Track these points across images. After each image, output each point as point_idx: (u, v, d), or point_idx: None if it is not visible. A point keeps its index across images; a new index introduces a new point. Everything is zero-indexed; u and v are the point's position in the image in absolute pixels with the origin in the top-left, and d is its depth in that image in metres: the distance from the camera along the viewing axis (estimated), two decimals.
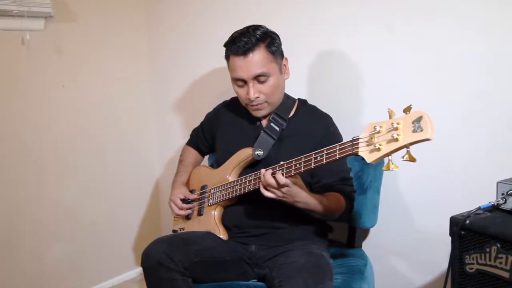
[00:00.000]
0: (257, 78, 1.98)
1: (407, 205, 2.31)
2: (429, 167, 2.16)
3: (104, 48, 3.00)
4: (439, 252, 2.10)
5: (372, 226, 2.29)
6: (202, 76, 3.04)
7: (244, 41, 1.95)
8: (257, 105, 2.04)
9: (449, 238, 1.66)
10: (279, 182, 1.74)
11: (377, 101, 2.31)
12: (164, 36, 3.21)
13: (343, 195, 2.00)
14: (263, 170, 1.81)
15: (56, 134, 2.83)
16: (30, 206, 2.76)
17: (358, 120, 2.37)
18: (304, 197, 1.83)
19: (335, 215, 1.98)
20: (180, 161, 2.47)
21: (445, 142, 2.09)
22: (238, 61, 1.98)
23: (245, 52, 1.95)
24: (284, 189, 1.76)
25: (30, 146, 2.72)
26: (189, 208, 2.29)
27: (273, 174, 1.77)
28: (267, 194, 1.80)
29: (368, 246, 2.41)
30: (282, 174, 1.77)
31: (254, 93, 2.00)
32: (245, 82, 2.01)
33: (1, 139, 2.61)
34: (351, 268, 2.11)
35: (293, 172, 1.76)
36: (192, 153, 2.50)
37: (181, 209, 2.29)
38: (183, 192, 2.31)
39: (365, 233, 2.46)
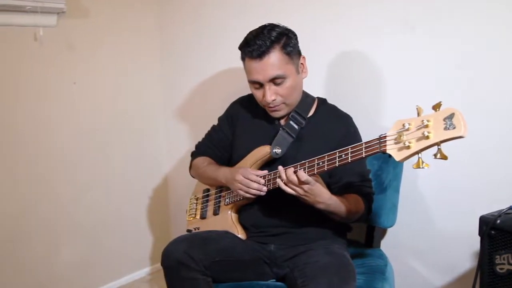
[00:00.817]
0: (273, 80, 1.96)
1: (427, 204, 2.29)
2: (452, 164, 2.10)
3: (115, 45, 2.99)
4: (461, 252, 2.10)
5: (391, 226, 2.27)
6: (213, 74, 3.02)
7: (259, 44, 1.93)
8: (274, 106, 2.03)
9: (474, 238, 1.66)
10: (300, 179, 1.73)
11: (397, 101, 2.30)
12: (175, 34, 3.19)
13: (362, 197, 1.99)
14: (280, 167, 1.81)
15: (67, 131, 2.82)
16: (39, 205, 2.75)
17: (378, 120, 2.36)
18: (325, 198, 1.82)
19: (354, 217, 1.97)
20: (209, 164, 2.29)
21: (474, 140, 2.05)
22: (253, 64, 1.96)
23: (259, 55, 1.93)
24: (305, 187, 1.75)
25: (39, 143, 2.71)
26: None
27: (294, 172, 1.76)
28: (288, 190, 1.79)
29: (386, 246, 2.40)
30: (304, 172, 1.76)
31: (270, 95, 1.98)
32: (261, 84, 1.99)
33: (11, 136, 2.60)
34: (371, 268, 2.10)
35: (315, 171, 1.76)
36: (212, 160, 2.34)
37: (257, 182, 2.00)
38: (248, 169, 2.06)
39: (383, 232, 2.44)
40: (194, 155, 2.40)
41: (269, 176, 1.97)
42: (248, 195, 2.01)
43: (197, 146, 2.42)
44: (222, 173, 2.16)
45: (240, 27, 2.07)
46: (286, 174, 1.77)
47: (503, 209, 1.61)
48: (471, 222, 1.77)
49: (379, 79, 2.35)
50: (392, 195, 2.25)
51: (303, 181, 1.73)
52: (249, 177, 1.99)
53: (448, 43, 2.11)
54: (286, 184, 1.79)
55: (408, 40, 2.23)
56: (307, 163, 1.79)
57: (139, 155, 3.22)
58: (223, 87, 2.93)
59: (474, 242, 1.84)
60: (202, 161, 2.32)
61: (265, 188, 1.97)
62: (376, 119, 2.37)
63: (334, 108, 2.20)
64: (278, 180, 1.83)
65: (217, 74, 3.00)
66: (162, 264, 1.94)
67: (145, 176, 3.29)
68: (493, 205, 1.72)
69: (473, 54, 2.06)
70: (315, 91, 2.22)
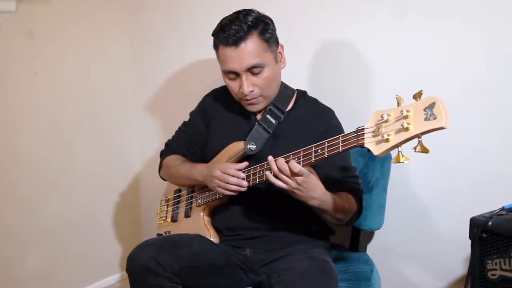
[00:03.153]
0: (251, 69, 1.93)
1: (417, 205, 2.27)
2: (443, 162, 2.14)
3: (81, 33, 2.94)
4: (453, 257, 2.10)
5: (378, 228, 2.25)
6: (188, 65, 2.99)
7: (235, 29, 1.89)
8: (251, 99, 2.00)
9: (466, 241, 1.64)
10: (293, 170, 1.67)
11: (385, 93, 2.27)
12: (148, 22, 3.15)
13: (352, 195, 1.96)
14: (270, 157, 1.76)
15: (27, 126, 2.76)
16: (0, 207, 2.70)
17: (365, 114, 2.29)
18: (320, 193, 1.76)
19: (346, 218, 1.93)
20: (182, 162, 2.25)
21: (464, 134, 2.07)
22: (228, 51, 1.92)
23: (236, 41, 1.89)
24: (299, 179, 1.69)
25: None
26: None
27: (286, 162, 1.72)
28: (278, 183, 1.74)
29: (373, 250, 2.38)
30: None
31: (248, 86, 1.94)
32: (237, 74, 1.96)
33: None
34: (356, 275, 2.08)
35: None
36: (184, 158, 2.31)
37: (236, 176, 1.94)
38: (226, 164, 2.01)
39: (370, 235, 2.43)
40: (164, 154, 2.36)
41: (247, 172, 1.93)
42: (227, 192, 1.96)
43: (167, 144, 2.38)
44: (198, 170, 2.10)
45: (215, 17, 2.03)
46: (277, 164, 1.71)
47: (495, 210, 1.60)
48: (464, 224, 1.75)
49: (366, 70, 2.33)
50: (379, 195, 2.23)
51: (296, 172, 1.67)
52: (227, 171, 1.95)
53: (440, 31, 2.10)
54: (276, 176, 1.74)
55: (397, 27, 2.21)
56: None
57: (108, 153, 3.18)
58: (200, 80, 2.90)
59: (466, 246, 1.83)
60: (174, 159, 2.28)
61: (245, 183, 1.92)
62: (362, 112, 2.31)
63: (314, 101, 2.17)
64: (267, 172, 1.78)
65: (193, 66, 2.97)
66: (127, 270, 1.90)
67: (115, 175, 3.26)
68: (487, 206, 1.70)
69: (467, 42, 2.05)
70: (295, 83, 2.20)
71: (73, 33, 2.90)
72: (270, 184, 1.80)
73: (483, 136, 2.05)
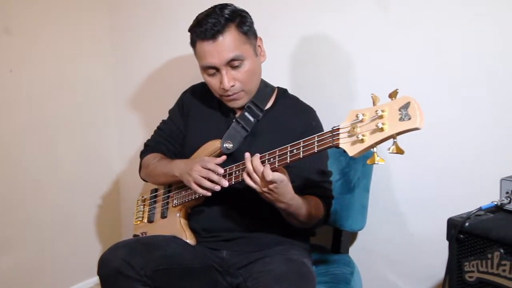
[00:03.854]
0: (230, 63, 1.93)
1: (400, 205, 2.28)
2: (426, 162, 2.15)
3: (59, 28, 2.93)
4: (436, 259, 2.08)
5: (360, 229, 2.26)
6: (168, 63, 2.99)
7: (212, 22, 1.90)
8: (233, 94, 1.99)
9: (446, 243, 1.64)
10: (266, 178, 1.68)
11: (368, 91, 2.24)
12: (126, 17, 3.15)
13: (321, 201, 1.97)
14: (248, 154, 1.75)
15: (2, 125, 2.75)
16: None
17: (347, 112, 2.32)
18: (288, 197, 1.77)
19: (311, 223, 1.94)
20: (161, 159, 2.25)
21: (443, 134, 2.08)
22: (206, 46, 1.92)
23: (213, 35, 1.90)
24: (271, 186, 1.70)
25: None
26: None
27: (262, 162, 1.72)
28: (249, 182, 1.75)
29: (355, 251, 2.39)
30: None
31: (228, 81, 1.94)
32: (217, 69, 1.96)
33: None
34: (335, 277, 2.08)
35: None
36: (163, 155, 2.29)
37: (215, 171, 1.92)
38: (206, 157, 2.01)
39: (352, 237, 2.43)
40: (143, 153, 2.34)
41: (224, 172, 1.92)
42: (200, 191, 1.94)
43: (146, 144, 2.37)
44: (176, 165, 2.09)
45: (196, 12, 2.03)
46: (252, 164, 1.72)
47: (472, 211, 1.59)
48: (444, 225, 1.74)
49: (349, 67, 2.34)
50: (361, 195, 2.24)
51: (268, 180, 1.68)
52: (207, 165, 1.93)
53: (425, 24, 2.10)
54: (249, 176, 1.74)
55: (381, 22, 2.21)
56: None
57: (88, 153, 3.17)
58: (180, 77, 2.88)
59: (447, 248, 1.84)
60: (153, 157, 2.27)
61: (225, 182, 1.89)
62: (344, 112, 2.33)
63: (295, 100, 2.17)
64: (243, 172, 1.77)
65: (173, 63, 2.97)
66: (98, 274, 1.89)
67: (94, 174, 3.24)
68: (468, 206, 1.69)
69: (450, 39, 2.05)
70: (275, 81, 2.19)
71: (51, 30, 2.89)
72: (247, 185, 1.79)
73: (461, 136, 2.06)
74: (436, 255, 2.03)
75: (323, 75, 2.42)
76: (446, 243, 1.63)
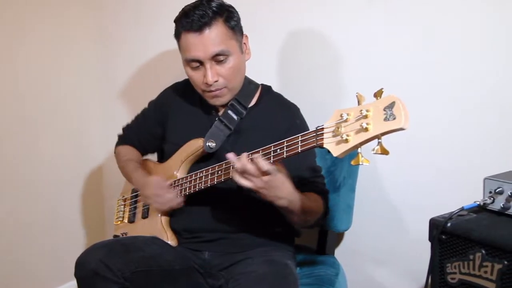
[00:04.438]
0: (215, 58, 1.94)
1: (386, 205, 2.31)
2: (412, 161, 2.18)
3: (42, 24, 2.93)
4: (422, 260, 2.07)
5: (345, 230, 2.28)
6: (154, 57, 3.00)
7: (199, 14, 1.90)
8: (215, 90, 2.00)
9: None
10: (261, 169, 1.64)
11: (356, 89, 2.25)
12: (111, 12, 3.16)
13: (318, 195, 1.98)
14: (230, 154, 1.74)
15: None
16: None
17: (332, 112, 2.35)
18: (287, 192, 1.75)
19: (313, 219, 1.95)
20: (128, 160, 2.32)
21: (429, 133, 2.11)
22: (192, 38, 1.92)
23: (200, 27, 1.90)
24: (265, 178, 1.67)
25: None
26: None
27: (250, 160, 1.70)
28: (242, 182, 1.71)
29: (341, 252, 2.41)
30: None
31: (212, 75, 1.94)
32: (200, 63, 1.96)
33: None
34: (320, 279, 2.10)
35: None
36: (134, 151, 2.37)
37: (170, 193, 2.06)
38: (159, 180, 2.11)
39: (338, 237, 2.45)
40: (119, 140, 2.43)
41: (201, 173, 1.95)
42: (161, 210, 2.10)
43: (124, 129, 2.43)
44: (136, 179, 2.23)
45: (182, 5, 2.03)
46: (240, 163, 1.69)
47: (454, 211, 1.60)
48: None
49: (336, 64, 2.35)
50: (347, 194, 2.25)
51: (264, 171, 1.65)
52: (159, 192, 2.07)
53: (416, 22, 2.12)
54: (241, 175, 1.71)
55: (370, 18, 2.23)
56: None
57: (70, 147, 3.17)
58: (166, 72, 2.90)
59: None
60: (125, 152, 2.34)
61: (178, 200, 2.03)
62: (332, 111, 2.35)
63: (279, 97, 2.19)
64: (232, 170, 1.76)
65: (159, 57, 2.97)
66: (75, 275, 1.90)
67: (77, 172, 3.25)
68: (453, 206, 1.70)
69: (443, 35, 2.07)
70: (259, 77, 2.21)
71: (33, 24, 2.89)
72: (231, 185, 1.81)
73: (447, 135, 2.09)
74: (422, 256, 2.05)
75: (309, 72, 2.43)
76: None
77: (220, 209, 2.03)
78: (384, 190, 2.30)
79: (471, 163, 2.03)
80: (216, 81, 1.96)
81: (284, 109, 2.13)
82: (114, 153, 2.42)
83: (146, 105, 2.40)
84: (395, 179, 2.27)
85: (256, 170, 1.66)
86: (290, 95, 2.19)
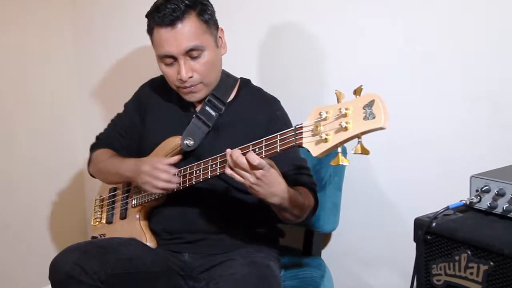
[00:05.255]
0: (189, 53, 1.95)
1: (374, 204, 2.32)
2: (398, 159, 2.19)
3: (18, 18, 2.95)
4: (410, 261, 2.10)
5: (332, 230, 2.30)
6: (133, 53, 3.02)
7: (171, 8, 1.90)
8: (190, 86, 2.01)
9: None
10: (252, 163, 1.64)
11: (338, 84, 2.25)
12: (90, 6, 3.17)
13: (308, 189, 1.97)
14: (229, 150, 1.71)
15: None
16: None
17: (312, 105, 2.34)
18: (281, 189, 1.73)
19: (304, 215, 1.93)
20: (112, 157, 2.26)
21: (414, 130, 2.13)
22: (164, 33, 1.94)
23: (172, 21, 1.91)
24: (258, 173, 1.65)
25: None
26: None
27: (243, 154, 1.70)
28: (236, 177, 1.71)
29: (328, 253, 2.43)
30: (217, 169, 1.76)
31: (186, 71, 1.96)
32: (174, 59, 1.97)
33: None
34: (304, 281, 2.12)
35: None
36: (115, 152, 2.30)
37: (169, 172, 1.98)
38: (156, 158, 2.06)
39: (326, 238, 2.47)
40: (94, 147, 2.35)
41: (179, 173, 1.96)
42: (155, 190, 1.99)
43: (97, 137, 2.38)
44: (127, 165, 2.12)
45: None
46: (232, 156, 1.68)
47: (440, 210, 1.61)
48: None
49: (317, 59, 2.37)
50: (333, 193, 2.27)
51: (255, 165, 1.64)
52: (157, 166, 1.97)
53: (400, 16, 2.13)
54: (233, 169, 1.71)
55: (354, 11, 2.24)
56: (218, 158, 1.80)
57: (48, 146, 3.19)
58: (148, 68, 2.84)
59: None
60: (104, 153, 2.27)
61: (176, 179, 1.95)
62: (312, 107, 2.36)
63: (258, 91, 2.20)
64: (226, 165, 1.74)
65: (140, 53, 2.98)
66: (49, 278, 1.92)
67: (57, 170, 3.26)
68: (442, 204, 1.70)
69: (427, 28, 2.08)
70: (240, 73, 2.22)
71: (10, 18, 2.90)
72: (211, 184, 1.84)
73: (432, 132, 2.10)
74: (411, 257, 2.08)
75: (290, 66, 2.45)
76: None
77: (201, 209, 2.04)
78: (371, 188, 2.31)
79: (458, 161, 2.04)
80: (191, 77, 1.98)
81: (263, 102, 2.14)
82: (90, 160, 2.35)
83: (125, 102, 2.41)
84: (381, 178, 2.28)
85: (247, 165, 1.65)
86: (270, 91, 2.20)
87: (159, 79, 2.28)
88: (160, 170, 1.96)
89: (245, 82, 2.20)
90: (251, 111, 2.09)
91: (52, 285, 1.92)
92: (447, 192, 1.95)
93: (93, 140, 2.77)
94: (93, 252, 1.93)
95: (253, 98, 2.15)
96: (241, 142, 1.75)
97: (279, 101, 2.16)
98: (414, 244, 1.68)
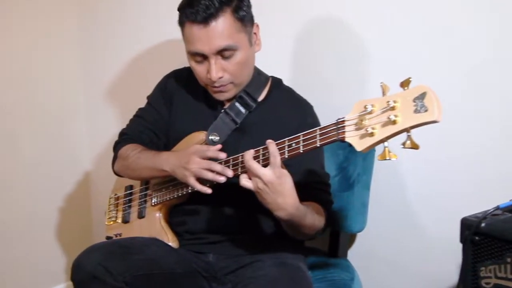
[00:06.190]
0: (221, 53, 1.91)
1: (405, 204, 2.31)
2: (434, 155, 2.17)
3: (22, 13, 2.94)
4: (445, 263, 2.12)
5: (360, 230, 2.29)
6: (144, 48, 3.01)
7: (204, 4, 1.85)
8: (219, 86, 1.99)
9: (460, 245, 1.65)
10: (253, 172, 1.65)
11: (375, 82, 2.27)
12: (96, 0, 3.17)
13: (322, 207, 1.95)
14: (270, 141, 1.67)
15: None
16: None
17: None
18: (290, 204, 1.69)
19: (310, 235, 1.91)
20: (143, 151, 2.18)
21: (456, 127, 2.10)
22: (196, 30, 1.89)
23: (205, 19, 1.85)
24: (267, 177, 1.63)
25: None
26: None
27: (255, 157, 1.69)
28: (243, 182, 1.70)
29: (354, 255, 2.42)
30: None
31: (216, 71, 1.93)
32: (205, 57, 1.94)
33: None
34: (334, 283, 2.11)
35: (261, 163, 1.70)
36: (141, 147, 2.22)
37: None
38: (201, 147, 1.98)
39: (351, 238, 2.46)
40: (119, 143, 2.29)
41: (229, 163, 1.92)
42: (200, 187, 1.89)
43: (123, 133, 2.32)
44: (166, 159, 2.04)
45: None
46: (244, 158, 1.68)
47: (489, 210, 1.60)
48: (457, 225, 1.77)
49: (358, 55, 2.35)
50: (361, 192, 2.26)
51: (256, 175, 1.64)
52: (207, 154, 1.89)
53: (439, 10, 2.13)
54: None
55: (395, 6, 2.23)
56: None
57: (52, 145, 3.18)
58: (157, 65, 2.85)
59: (459, 251, 1.85)
60: (132, 148, 2.20)
61: (230, 172, 1.84)
62: (346, 109, 2.35)
63: (290, 92, 2.18)
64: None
65: (149, 49, 2.98)
66: (72, 279, 1.90)
67: (60, 170, 3.25)
68: (483, 205, 1.71)
69: (465, 17, 2.08)
70: (268, 70, 2.19)
71: (11, 8, 2.89)
72: (235, 180, 1.80)
73: (477, 129, 2.09)
74: (446, 259, 2.07)
75: (327, 65, 2.44)
76: (458, 245, 1.64)
77: (225, 208, 2.04)
78: (402, 186, 2.31)
79: (506, 158, 2.03)
80: (221, 77, 1.95)
81: (295, 106, 2.12)
82: (115, 159, 2.28)
83: (134, 99, 2.42)
84: (414, 175, 2.27)
85: (256, 170, 1.64)
86: (301, 92, 2.19)
87: (183, 71, 2.25)
88: (210, 161, 1.89)
89: (277, 82, 2.19)
90: (282, 114, 2.08)
91: (74, 285, 1.90)
92: (490, 191, 1.97)
93: (98, 141, 2.79)
94: (117, 252, 1.92)
95: (285, 100, 2.13)
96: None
97: (311, 106, 2.14)
98: (451, 245, 1.71)
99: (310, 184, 1.95)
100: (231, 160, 1.85)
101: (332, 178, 2.17)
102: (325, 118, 2.03)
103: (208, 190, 1.88)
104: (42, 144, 3.12)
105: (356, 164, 2.25)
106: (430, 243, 2.25)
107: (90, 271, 1.83)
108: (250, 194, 1.79)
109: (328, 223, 1.97)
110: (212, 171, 1.85)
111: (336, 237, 2.34)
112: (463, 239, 1.62)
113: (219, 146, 1.93)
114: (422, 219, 2.28)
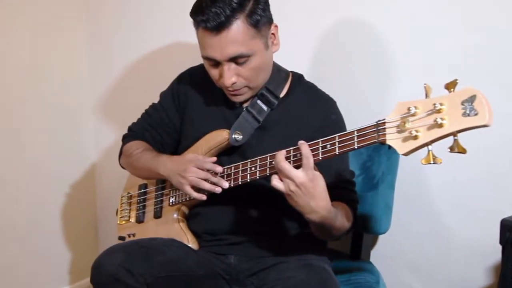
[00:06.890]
0: (234, 60, 1.89)
1: (431, 204, 2.31)
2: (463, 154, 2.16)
3: (30, 13, 2.94)
4: (475, 266, 2.12)
5: (384, 232, 2.29)
6: (151, 48, 3.02)
7: (215, 12, 1.81)
8: (233, 90, 1.98)
9: (492, 248, 1.69)
10: (284, 172, 1.63)
11: (408, 83, 2.28)
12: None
13: (349, 207, 1.95)
14: (301, 141, 1.66)
15: None
16: None
17: (378, 108, 2.33)
18: (323, 207, 1.69)
19: (337, 235, 1.91)
20: (146, 150, 2.23)
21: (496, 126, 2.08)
22: (208, 37, 1.86)
23: (216, 27, 1.82)
24: (300, 179, 1.62)
25: None
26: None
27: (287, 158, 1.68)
28: (274, 183, 1.68)
29: (377, 257, 2.42)
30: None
31: (229, 77, 1.91)
32: (218, 62, 1.91)
33: None
34: (360, 286, 2.12)
35: (292, 164, 1.68)
36: (149, 145, 2.28)
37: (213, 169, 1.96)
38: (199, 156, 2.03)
39: (374, 240, 2.47)
40: (126, 138, 2.34)
41: (230, 170, 1.94)
42: (196, 195, 1.96)
43: (130, 128, 2.35)
44: (162, 162, 2.09)
45: None
46: (275, 159, 1.66)
47: None
48: (489, 227, 1.79)
49: (381, 51, 2.35)
50: (386, 192, 2.26)
51: (288, 175, 1.63)
52: (204, 166, 1.94)
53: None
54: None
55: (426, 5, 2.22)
56: (268, 157, 1.79)
57: (58, 142, 3.19)
58: (164, 64, 2.92)
59: (492, 253, 1.85)
60: (137, 146, 2.24)
61: (225, 184, 1.92)
62: (374, 105, 2.36)
63: (313, 88, 2.17)
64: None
65: (156, 48, 2.99)
66: (92, 281, 1.90)
67: (67, 168, 3.26)
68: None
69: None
70: (289, 65, 2.18)
71: (19, 5, 2.88)
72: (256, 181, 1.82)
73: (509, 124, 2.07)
74: (474, 261, 2.07)
75: (350, 60, 2.44)
76: (491, 247, 1.67)
77: (246, 208, 2.04)
78: (428, 187, 2.30)
79: None
80: (234, 83, 1.94)
81: (318, 102, 2.11)
82: (121, 152, 2.33)
83: (142, 98, 2.41)
84: (441, 174, 2.25)
85: (287, 170, 1.63)
86: (323, 87, 2.18)
87: (200, 68, 2.20)
88: (206, 171, 1.94)
89: (298, 78, 2.17)
90: (304, 110, 2.07)
91: (95, 287, 1.90)
92: None
93: (105, 137, 2.78)
94: (138, 253, 1.92)
95: (307, 96, 2.12)
96: (291, 142, 1.72)
97: (335, 102, 2.13)
98: (482, 248, 1.75)
99: (338, 183, 1.94)
100: (258, 160, 1.85)
101: (356, 178, 2.14)
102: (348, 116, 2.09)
103: (204, 197, 1.97)
104: (48, 141, 3.12)
105: (381, 163, 2.25)
106: (458, 245, 2.24)
107: (112, 272, 1.83)
108: (272, 194, 1.80)
109: (355, 223, 1.97)
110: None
111: (358, 239, 2.35)
112: (503, 241, 1.62)
113: (214, 158, 1.99)
114: (449, 220, 2.27)
